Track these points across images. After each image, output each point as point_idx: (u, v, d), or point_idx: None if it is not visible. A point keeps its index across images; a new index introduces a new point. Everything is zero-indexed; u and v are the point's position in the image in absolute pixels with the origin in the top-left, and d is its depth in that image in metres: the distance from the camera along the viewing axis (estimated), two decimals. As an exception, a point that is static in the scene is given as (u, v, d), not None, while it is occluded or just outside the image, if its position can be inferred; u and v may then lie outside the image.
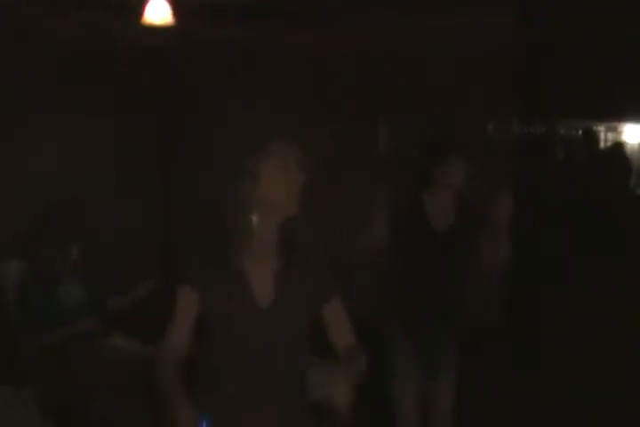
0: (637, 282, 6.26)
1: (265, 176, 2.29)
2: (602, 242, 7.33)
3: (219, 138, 6.13)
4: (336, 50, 6.05)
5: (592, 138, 8.97)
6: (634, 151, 9.39)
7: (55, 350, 4.35)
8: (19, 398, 4.04)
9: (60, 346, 4.37)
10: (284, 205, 2.33)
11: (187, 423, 2.21)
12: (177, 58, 6.34)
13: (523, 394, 4.91)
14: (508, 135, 6.09)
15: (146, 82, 6.27)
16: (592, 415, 4.56)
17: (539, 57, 6.29)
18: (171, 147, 6.54)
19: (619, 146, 9.13)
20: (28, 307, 4.44)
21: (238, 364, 2.37)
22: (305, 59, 6.19)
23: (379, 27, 5.80)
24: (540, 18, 5.84)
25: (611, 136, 9.58)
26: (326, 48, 6.03)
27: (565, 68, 6.42)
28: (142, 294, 4.74)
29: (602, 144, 9.31)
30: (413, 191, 3.83)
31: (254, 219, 2.33)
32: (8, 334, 4.46)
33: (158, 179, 6.45)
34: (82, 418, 4.18)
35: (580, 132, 8.93)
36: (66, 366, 4.32)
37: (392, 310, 3.86)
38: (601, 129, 9.34)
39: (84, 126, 5.86)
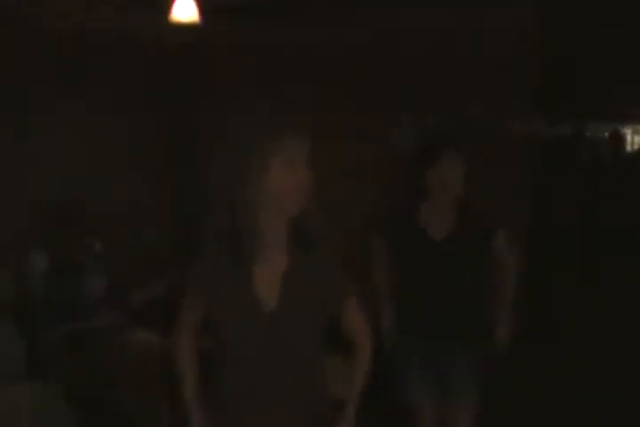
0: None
1: (274, 171, 2.24)
2: (628, 246, 7.27)
3: (233, 135, 6.16)
4: (356, 49, 6.04)
5: (618, 141, 8.92)
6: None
7: (77, 344, 4.40)
8: (46, 391, 4.11)
9: (82, 339, 4.43)
10: (293, 201, 2.27)
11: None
12: (202, 55, 6.37)
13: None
14: (531, 137, 6.06)
15: (168, 79, 6.32)
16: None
17: (565, 57, 6.26)
18: (186, 145, 6.58)
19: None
20: (54, 299, 4.51)
21: (242, 367, 2.35)
22: (324, 58, 6.19)
23: (396, 25, 5.78)
24: (564, 17, 5.81)
25: (637, 139, 9.51)
26: (349, 47, 6.03)
27: (590, 69, 6.39)
28: (163, 288, 4.79)
29: (628, 147, 9.25)
30: (409, 199, 3.64)
31: (262, 216, 2.28)
32: (34, 328, 4.54)
33: (175, 175, 6.49)
34: (107, 410, 4.23)
35: (607, 134, 8.88)
36: (88, 359, 4.37)
37: (397, 323, 3.73)
38: (627, 132, 9.27)
39: (104, 125, 5.90)
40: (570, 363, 5.39)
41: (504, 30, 5.48)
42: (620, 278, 6.59)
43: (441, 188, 3.48)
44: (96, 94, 5.82)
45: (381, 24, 5.83)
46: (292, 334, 2.32)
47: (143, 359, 4.41)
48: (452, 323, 3.56)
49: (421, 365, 3.67)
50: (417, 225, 3.56)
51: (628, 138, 9.28)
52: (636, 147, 9.31)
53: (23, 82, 5.34)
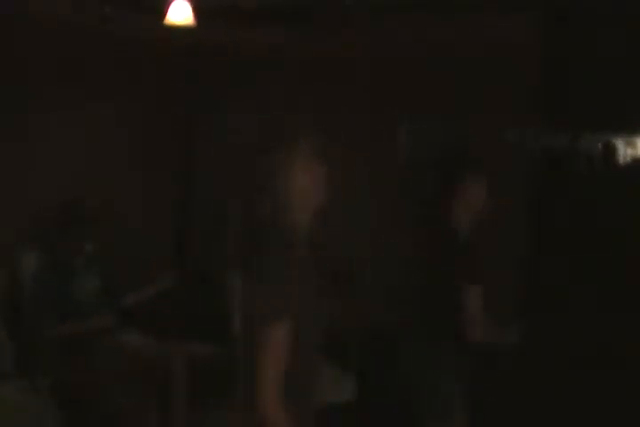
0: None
1: (293, 173, 2.26)
2: (619, 258, 7.26)
3: (238, 137, 6.18)
4: (356, 54, 6.06)
5: (611, 153, 8.94)
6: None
7: (69, 344, 4.38)
8: (34, 390, 4.09)
9: (74, 340, 4.40)
10: (311, 201, 2.31)
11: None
12: (198, 57, 6.37)
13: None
14: (528, 148, 6.07)
15: (168, 81, 6.32)
16: None
17: (560, 69, 6.28)
18: (188, 146, 6.58)
19: (638, 161, 9.09)
20: (44, 299, 4.48)
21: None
22: (326, 62, 6.21)
23: (400, 32, 5.81)
24: (565, 29, 5.85)
25: (630, 151, 9.55)
26: (348, 52, 6.05)
27: (586, 81, 6.40)
28: (157, 290, 4.77)
29: (621, 159, 9.27)
30: (438, 202, 3.72)
31: (281, 216, 2.29)
32: (24, 326, 4.51)
33: (174, 177, 6.47)
34: (94, 410, 4.21)
35: (600, 146, 8.90)
36: (80, 359, 4.35)
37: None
38: (620, 143, 9.30)
39: (102, 125, 5.89)
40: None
41: (503, 43, 5.53)
42: (611, 293, 6.59)
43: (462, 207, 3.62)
44: (94, 96, 5.82)
45: (380, 30, 5.85)
46: None
47: (134, 361, 4.39)
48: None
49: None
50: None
51: (621, 150, 9.32)
52: (629, 159, 9.35)
53: (21, 82, 5.32)
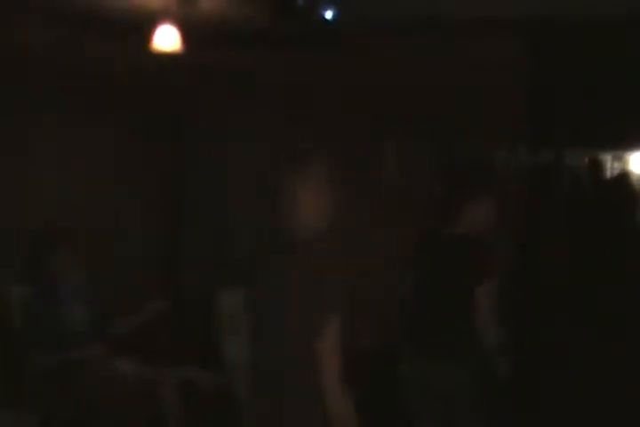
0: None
1: (299, 197, 2.36)
2: (606, 272, 7.30)
3: (227, 158, 6.19)
4: (343, 75, 6.08)
5: (598, 167, 8.99)
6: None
7: (59, 375, 4.34)
8: (22, 422, 4.05)
9: (64, 371, 4.36)
10: (315, 221, 2.39)
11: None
12: (188, 82, 6.38)
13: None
14: (517, 165, 6.11)
15: (154, 106, 6.32)
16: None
17: (547, 86, 6.33)
18: (177, 171, 6.58)
19: (624, 175, 9.14)
20: (32, 331, 4.44)
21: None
22: (313, 84, 6.23)
23: (386, 54, 5.84)
24: (550, 48, 5.91)
25: (617, 165, 9.59)
26: (338, 73, 6.07)
27: (572, 97, 6.45)
28: (148, 317, 4.73)
29: (608, 173, 9.32)
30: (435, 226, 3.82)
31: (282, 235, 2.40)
32: (13, 359, 4.47)
33: (164, 203, 6.47)
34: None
35: (587, 160, 8.95)
36: (69, 390, 4.31)
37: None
38: (607, 158, 9.35)
39: (89, 152, 5.88)
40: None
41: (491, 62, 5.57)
42: (600, 305, 6.62)
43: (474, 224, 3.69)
44: (75, 118, 5.80)
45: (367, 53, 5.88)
46: None
47: (125, 389, 4.36)
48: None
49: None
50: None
51: (608, 164, 9.37)
52: (616, 172, 9.40)
53: (4, 109, 5.31)
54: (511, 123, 5.91)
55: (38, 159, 5.55)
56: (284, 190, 2.36)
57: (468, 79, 5.77)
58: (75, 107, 5.77)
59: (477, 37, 5.53)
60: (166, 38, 5.02)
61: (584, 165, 8.95)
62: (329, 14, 4.82)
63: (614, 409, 4.92)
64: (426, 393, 3.72)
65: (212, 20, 5.23)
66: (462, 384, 3.65)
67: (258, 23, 5.14)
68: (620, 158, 9.72)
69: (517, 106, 5.96)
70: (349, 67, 5.98)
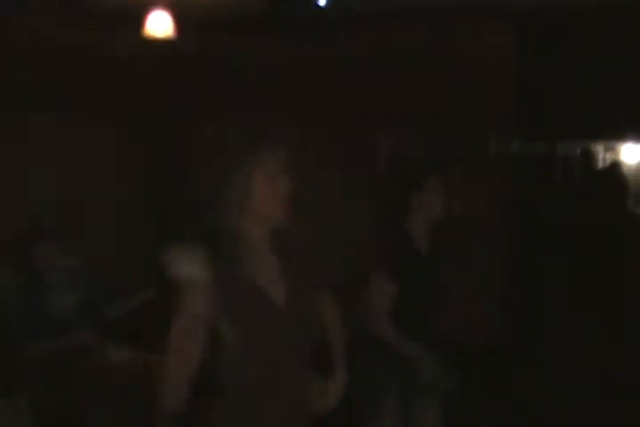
0: (637, 301, 6.25)
1: (256, 184, 2.32)
2: (600, 261, 7.32)
3: (215, 149, 6.14)
4: (334, 63, 6.07)
5: (590, 157, 9.00)
6: (631, 171, 9.41)
7: (50, 361, 4.33)
8: (13, 408, 4.03)
9: (54, 357, 4.36)
10: (274, 213, 2.35)
11: None
12: (177, 69, 6.36)
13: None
14: (508, 154, 6.12)
15: (145, 93, 6.30)
16: None
17: (539, 74, 6.33)
18: (168, 158, 6.57)
19: (616, 165, 9.16)
20: (22, 317, 4.42)
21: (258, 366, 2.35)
22: (303, 71, 6.21)
23: (377, 41, 5.83)
24: (541, 38, 5.91)
25: (609, 156, 9.61)
26: (326, 61, 6.06)
27: (564, 86, 6.46)
28: (138, 304, 4.73)
29: (600, 163, 9.33)
30: (394, 216, 3.65)
31: (245, 227, 2.36)
32: (3, 345, 4.45)
33: (157, 191, 6.45)
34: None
35: (579, 151, 8.95)
36: (60, 376, 4.30)
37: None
38: (599, 148, 9.36)
39: (83, 137, 5.86)
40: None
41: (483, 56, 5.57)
42: (591, 289, 6.64)
43: (421, 212, 3.54)
44: (69, 106, 5.77)
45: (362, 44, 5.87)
46: (300, 336, 2.39)
47: (116, 376, 4.36)
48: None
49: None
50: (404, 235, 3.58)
51: (600, 155, 9.38)
52: (608, 163, 9.42)
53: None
54: (504, 113, 5.91)
55: (27, 147, 5.53)
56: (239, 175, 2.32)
57: (460, 69, 5.77)
58: (71, 92, 5.75)
59: (469, 26, 5.52)
60: (159, 24, 5.00)
61: (576, 156, 8.96)
62: (322, 1, 4.82)
63: (614, 409, 4.93)
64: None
65: (205, 5, 5.21)
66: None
67: (250, 9, 5.11)
68: (611, 149, 9.74)
69: (510, 97, 5.97)
70: (342, 54, 5.97)
